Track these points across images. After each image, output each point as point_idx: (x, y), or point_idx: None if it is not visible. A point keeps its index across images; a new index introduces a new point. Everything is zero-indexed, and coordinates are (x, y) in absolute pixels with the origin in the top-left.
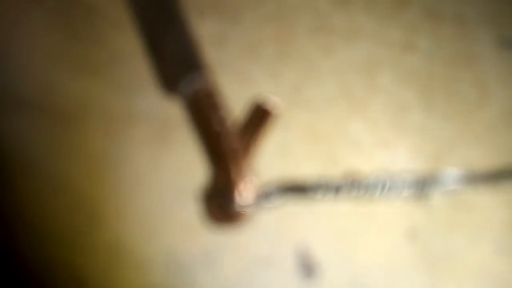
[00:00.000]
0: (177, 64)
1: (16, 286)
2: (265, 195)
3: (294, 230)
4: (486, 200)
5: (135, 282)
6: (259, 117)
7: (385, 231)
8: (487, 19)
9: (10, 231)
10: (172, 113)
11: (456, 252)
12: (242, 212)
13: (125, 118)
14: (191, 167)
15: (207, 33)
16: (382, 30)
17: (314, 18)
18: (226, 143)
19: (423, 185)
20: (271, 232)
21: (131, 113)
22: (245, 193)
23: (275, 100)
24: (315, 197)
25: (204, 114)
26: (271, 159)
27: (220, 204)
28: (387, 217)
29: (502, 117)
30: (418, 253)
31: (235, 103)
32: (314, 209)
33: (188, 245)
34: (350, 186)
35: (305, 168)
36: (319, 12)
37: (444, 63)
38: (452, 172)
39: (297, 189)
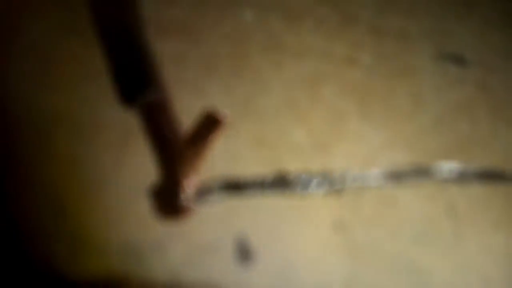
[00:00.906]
0: (134, 79)
1: None
2: (206, 191)
3: (234, 221)
4: (407, 196)
5: (96, 267)
6: (209, 125)
7: (315, 223)
8: (428, 34)
9: None
10: (132, 122)
11: (378, 242)
12: (186, 206)
13: (92, 127)
14: (147, 168)
15: (169, 51)
16: (329, 47)
17: (267, 37)
18: (174, 147)
19: (343, 182)
20: (214, 223)
21: (97, 122)
22: (188, 189)
23: (224, 111)
24: (250, 193)
25: (157, 123)
26: (221, 163)
27: (166, 199)
28: (317, 211)
29: (433, 124)
30: (344, 243)
31: (191, 114)
32: (253, 203)
33: (142, 234)
34: (283, 183)
35: (252, 171)
36: (272, 31)
37: (383, 76)
38: (375, 171)
39: (234, 186)
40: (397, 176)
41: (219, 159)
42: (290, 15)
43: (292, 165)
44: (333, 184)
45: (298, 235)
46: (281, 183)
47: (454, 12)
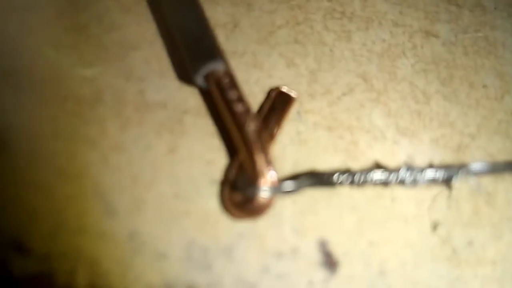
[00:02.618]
0: (197, 52)
1: None
2: (288, 183)
3: (316, 222)
4: (509, 191)
5: (153, 275)
6: (282, 103)
7: (410, 223)
8: (506, 8)
9: None
10: (187, 100)
11: (480, 245)
12: (265, 200)
13: (139, 105)
14: (208, 154)
15: (219, 17)
16: (401, 17)
17: (330, 2)
18: (250, 128)
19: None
20: (292, 223)
21: (145, 100)
22: (269, 180)
23: (290, 89)
24: (337, 186)
25: (225, 100)
26: (291, 149)
27: (242, 191)
28: (412, 209)
29: None
30: (444, 246)
31: (249, 89)
32: (337, 201)
33: (208, 236)
34: (375, 176)
35: (325, 158)
36: None
37: (464, 51)
38: (471, 162)
39: (319, 179)
40: (496, 168)
41: (289, 144)
42: None
43: (373, 153)
44: (440, 176)
45: (389, 237)
46: (381, 176)
47: None
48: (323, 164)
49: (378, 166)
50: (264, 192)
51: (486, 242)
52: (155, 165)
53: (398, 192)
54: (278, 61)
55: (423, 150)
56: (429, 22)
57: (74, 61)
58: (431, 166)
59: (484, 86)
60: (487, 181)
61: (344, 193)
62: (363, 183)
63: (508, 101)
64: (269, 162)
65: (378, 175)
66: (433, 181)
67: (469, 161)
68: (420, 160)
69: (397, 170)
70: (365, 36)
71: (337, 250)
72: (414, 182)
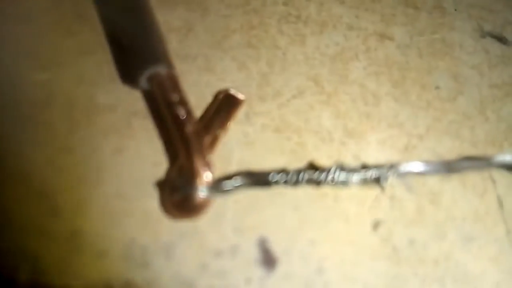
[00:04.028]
0: (139, 56)
1: None
2: (225, 182)
3: (255, 221)
4: (453, 191)
5: (93, 273)
6: (229, 105)
7: (350, 222)
8: (465, 9)
9: None
10: (136, 103)
11: (422, 244)
12: (203, 200)
13: (88, 108)
14: (155, 156)
15: (174, 22)
16: (356, 20)
17: (285, 7)
18: (189, 130)
19: (381, 175)
20: (232, 222)
21: (95, 103)
22: (206, 180)
23: (240, 92)
24: (276, 186)
25: (166, 102)
26: (237, 150)
27: (179, 192)
28: (353, 208)
29: (478, 108)
30: (384, 245)
31: (200, 93)
32: (277, 200)
33: (148, 235)
34: (314, 176)
35: (272, 160)
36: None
37: (418, 53)
38: (417, 162)
39: (258, 178)
40: (441, 168)
41: (236, 145)
42: None
43: (319, 154)
44: (370, 176)
45: (330, 235)
46: (312, 176)
47: None
48: (268, 165)
49: (312, 166)
50: (201, 192)
51: (429, 241)
52: (101, 166)
53: (342, 192)
54: (230, 65)
55: (369, 151)
56: (384, 25)
57: (30, 66)
58: (363, 166)
59: (437, 88)
60: (433, 181)
61: (287, 193)
62: (297, 182)
63: (461, 102)
64: (206, 163)
65: (310, 175)
66: (365, 181)
67: (416, 161)
68: (365, 161)
69: (328, 170)
70: (319, 40)
71: (277, 248)
72: (345, 182)
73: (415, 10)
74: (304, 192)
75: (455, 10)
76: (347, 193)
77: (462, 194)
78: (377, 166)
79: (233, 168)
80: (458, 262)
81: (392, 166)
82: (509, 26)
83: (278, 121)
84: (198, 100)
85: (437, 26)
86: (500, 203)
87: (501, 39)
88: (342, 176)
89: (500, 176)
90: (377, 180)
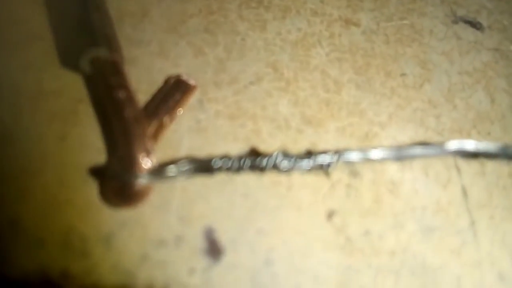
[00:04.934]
0: (80, 38)
1: None
2: (168, 169)
3: (201, 208)
4: (414, 180)
5: (32, 262)
6: (175, 92)
7: (303, 211)
8: None
9: None
10: (83, 89)
11: (378, 235)
12: (142, 188)
13: (36, 95)
14: (99, 143)
15: (130, 6)
16: (321, 5)
17: None
18: (128, 116)
19: (335, 162)
20: (176, 210)
21: (42, 90)
22: (145, 167)
23: (195, 78)
24: (220, 172)
25: (106, 86)
26: (189, 137)
27: (117, 180)
28: (306, 196)
29: (444, 96)
30: (339, 235)
31: (155, 79)
32: (225, 187)
33: (88, 224)
34: (257, 162)
35: (226, 147)
36: None
37: (386, 40)
38: (376, 150)
39: (201, 164)
40: (402, 156)
41: (186, 132)
42: None
43: (275, 142)
44: (321, 163)
45: (280, 225)
46: (258, 162)
47: None
48: (220, 152)
49: (254, 152)
50: (140, 179)
51: (385, 232)
52: (45, 154)
53: (296, 179)
54: (186, 50)
55: (327, 139)
56: (351, 11)
57: None
58: (308, 153)
59: (403, 75)
60: (394, 170)
61: (238, 181)
62: (239, 169)
63: (427, 90)
64: (146, 149)
65: (252, 161)
66: (309, 167)
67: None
68: (322, 148)
69: (270, 156)
70: (281, 25)
71: (224, 238)
72: (289, 169)
73: None
74: (256, 180)
75: None
76: (302, 181)
77: (423, 183)
78: (323, 152)
79: (182, 155)
80: (416, 254)
81: (338, 153)
82: (484, 11)
83: (233, 108)
84: (150, 86)
85: (406, 11)
86: (465, 193)
87: (474, 25)
88: (284, 162)
89: (466, 165)
90: (322, 167)
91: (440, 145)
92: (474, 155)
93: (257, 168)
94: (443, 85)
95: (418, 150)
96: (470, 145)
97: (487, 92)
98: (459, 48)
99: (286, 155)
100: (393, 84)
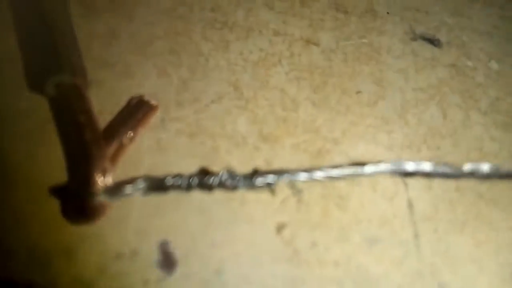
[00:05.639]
0: (46, 64)
1: None
2: (125, 188)
3: (157, 224)
4: (362, 195)
5: (3, 270)
6: (141, 111)
7: (254, 225)
8: (398, 12)
9: None
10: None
11: (325, 247)
12: (99, 206)
13: (6, 115)
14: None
15: (99, 29)
16: (283, 26)
17: (212, 13)
18: (88, 137)
19: (290, 179)
20: (133, 226)
21: (13, 110)
22: (102, 186)
23: (158, 98)
24: (175, 191)
25: (68, 110)
26: (150, 156)
27: (75, 198)
28: (257, 211)
29: (398, 112)
30: (287, 247)
31: (122, 99)
32: (181, 203)
33: (51, 238)
34: (208, 181)
35: (185, 165)
36: (218, 6)
37: (344, 58)
38: (327, 166)
39: (157, 183)
40: (351, 173)
41: (147, 151)
42: None
43: (232, 158)
44: (266, 182)
45: (232, 238)
46: (205, 181)
47: None
48: (180, 170)
49: (203, 171)
50: (97, 197)
51: (331, 244)
52: (14, 171)
53: (249, 195)
54: (151, 71)
55: (282, 155)
56: (312, 31)
57: None
58: (254, 171)
59: (358, 92)
60: (343, 185)
61: (194, 196)
62: (189, 187)
63: (381, 107)
64: (104, 169)
65: (200, 179)
66: (253, 186)
67: (328, 165)
68: (276, 165)
69: (216, 175)
70: (243, 46)
71: (178, 251)
72: (234, 187)
73: (345, 14)
74: (211, 196)
75: (388, 13)
76: (255, 197)
77: (370, 197)
78: (268, 172)
79: (142, 173)
80: (360, 264)
81: (283, 172)
82: (444, 28)
83: (194, 126)
84: (116, 106)
85: (366, 30)
86: (410, 206)
87: (433, 41)
88: (229, 181)
89: (414, 180)
90: (267, 185)
91: (377, 164)
92: (411, 174)
93: (205, 186)
94: (396, 102)
95: (359, 170)
96: (409, 165)
97: (440, 108)
98: (415, 65)
99: (231, 174)
100: (348, 102)
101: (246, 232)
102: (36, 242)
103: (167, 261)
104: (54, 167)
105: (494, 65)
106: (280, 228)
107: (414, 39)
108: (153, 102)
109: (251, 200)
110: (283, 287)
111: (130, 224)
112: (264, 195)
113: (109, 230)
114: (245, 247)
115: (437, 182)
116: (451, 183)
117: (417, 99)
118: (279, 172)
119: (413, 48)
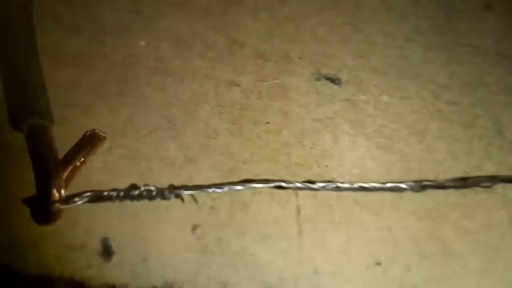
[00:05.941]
0: (20, 108)
1: None
2: (74, 199)
3: (101, 224)
4: (261, 202)
5: None
6: (93, 141)
7: (175, 225)
8: (308, 56)
9: None
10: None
11: (227, 241)
12: (55, 212)
13: None
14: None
15: (65, 78)
16: (212, 70)
17: (155, 63)
18: (48, 164)
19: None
20: (83, 225)
21: None
22: (57, 198)
23: (107, 130)
24: (110, 201)
25: (37, 143)
26: (98, 175)
27: (39, 207)
28: (179, 215)
29: (297, 138)
30: (198, 242)
31: (79, 132)
32: (120, 209)
33: (23, 235)
34: (135, 194)
35: (126, 182)
36: (161, 57)
37: (259, 96)
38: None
39: (95, 195)
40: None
41: (97, 172)
42: (180, 42)
43: (162, 176)
44: (181, 195)
45: (157, 235)
46: (131, 193)
47: (339, 35)
48: (120, 185)
49: (133, 186)
50: (55, 206)
51: (233, 239)
52: None
53: (175, 203)
54: (104, 109)
55: (201, 173)
56: (235, 74)
57: None
58: (169, 186)
59: (267, 123)
60: (247, 194)
61: (130, 205)
62: (122, 198)
63: (284, 134)
64: (60, 185)
65: (126, 192)
66: (166, 197)
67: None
68: (196, 181)
69: (138, 189)
70: (178, 87)
71: (115, 244)
72: (151, 198)
73: (264, 60)
74: (143, 204)
75: (299, 58)
76: (177, 204)
77: (268, 204)
78: (182, 187)
79: (91, 189)
80: (253, 254)
81: (197, 187)
82: (346, 68)
83: (133, 151)
84: (75, 138)
85: (279, 72)
86: (298, 211)
87: (334, 80)
88: (147, 194)
89: (304, 191)
90: (177, 196)
91: (266, 182)
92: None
93: (130, 197)
94: (297, 130)
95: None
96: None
97: (332, 134)
98: (316, 101)
99: (149, 188)
100: (258, 131)
101: (167, 231)
102: (14, 237)
103: (106, 252)
104: (28, 184)
105: (384, 98)
106: (194, 227)
107: (318, 79)
108: (102, 134)
109: (174, 206)
110: (193, 270)
111: (80, 225)
112: (185, 203)
113: (65, 229)
114: (166, 242)
115: (320, 192)
116: (332, 193)
117: (314, 128)
118: (191, 187)
119: (317, 86)
